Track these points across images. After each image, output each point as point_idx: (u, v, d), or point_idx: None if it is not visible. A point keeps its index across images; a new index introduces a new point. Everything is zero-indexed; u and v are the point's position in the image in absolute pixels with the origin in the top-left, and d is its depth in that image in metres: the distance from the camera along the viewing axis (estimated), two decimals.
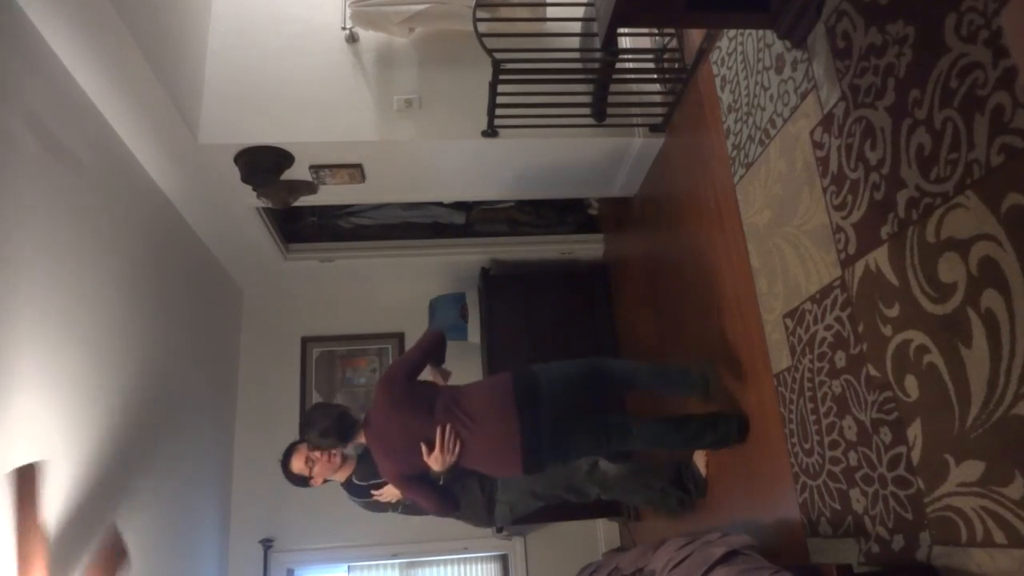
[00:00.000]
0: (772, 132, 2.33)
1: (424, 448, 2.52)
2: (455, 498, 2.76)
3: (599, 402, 2.73)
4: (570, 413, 2.54)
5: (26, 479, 2.11)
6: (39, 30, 2.40)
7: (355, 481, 2.88)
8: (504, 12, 3.13)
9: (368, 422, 2.63)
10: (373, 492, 2.86)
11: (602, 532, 4.55)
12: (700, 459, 2.92)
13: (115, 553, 2.26)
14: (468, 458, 2.56)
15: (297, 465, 2.78)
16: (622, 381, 2.83)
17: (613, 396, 2.76)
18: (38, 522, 2.07)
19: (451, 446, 2.49)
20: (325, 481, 2.87)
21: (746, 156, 2.53)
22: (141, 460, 3.12)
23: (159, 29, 2.71)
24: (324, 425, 2.61)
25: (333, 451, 2.76)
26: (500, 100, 2.97)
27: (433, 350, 2.81)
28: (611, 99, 3.21)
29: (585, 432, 2.57)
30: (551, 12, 3.21)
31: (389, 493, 2.83)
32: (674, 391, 2.82)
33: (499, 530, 4.19)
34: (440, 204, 4.63)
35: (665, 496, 2.96)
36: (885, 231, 1.76)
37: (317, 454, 2.75)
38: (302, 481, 2.82)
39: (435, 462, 2.51)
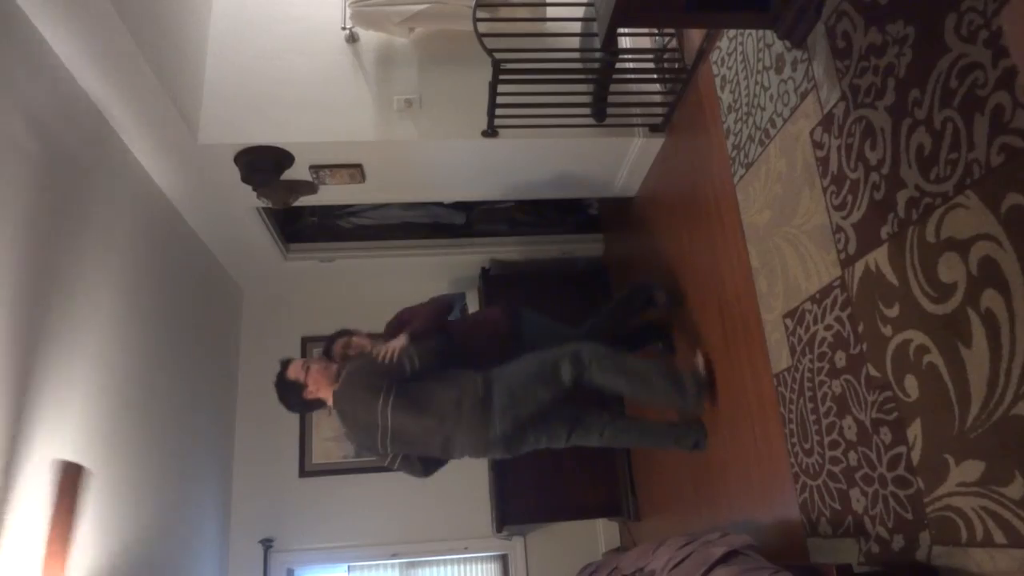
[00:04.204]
0: (772, 132, 2.33)
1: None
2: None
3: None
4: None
5: (72, 474, 2.12)
6: (39, 30, 2.40)
7: (351, 354, 3.00)
8: (504, 12, 3.13)
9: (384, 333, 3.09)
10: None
11: (602, 532, 4.56)
12: (700, 365, 2.87)
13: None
14: (460, 343, 2.97)
15: (293, 371, 2.76)
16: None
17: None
18: (72, 519, 2.07)
19: None
20: (318, 404, 2.78)
21: (746, 156, 2.53)
22: (141, 460, 3.12)
23: (159, 29, 2.71)
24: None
25: (329, 363, 2.84)
26: (500, 100, 2.97)
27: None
28: (611, 99, 3.21)
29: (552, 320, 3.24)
30: (551, 12, 3.21)
31: (394, 341, 2.77)
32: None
33: (499, 530, 4.20)
34: (440, 204, 4.64)
35: (648, 387, 2.80)
36: (885, 231, 1.76)
37: (312, 361, 2.82)
38: (297, 394, 2.74)
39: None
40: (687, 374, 2.84)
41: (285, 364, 2.81)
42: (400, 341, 2.75)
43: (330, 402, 2.76)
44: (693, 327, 3.10)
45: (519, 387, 2.69)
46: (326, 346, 3.11)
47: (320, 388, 2.74)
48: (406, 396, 2.66)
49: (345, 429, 2.85)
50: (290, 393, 2.75)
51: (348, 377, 2.72)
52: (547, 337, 3.01)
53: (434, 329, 2.89)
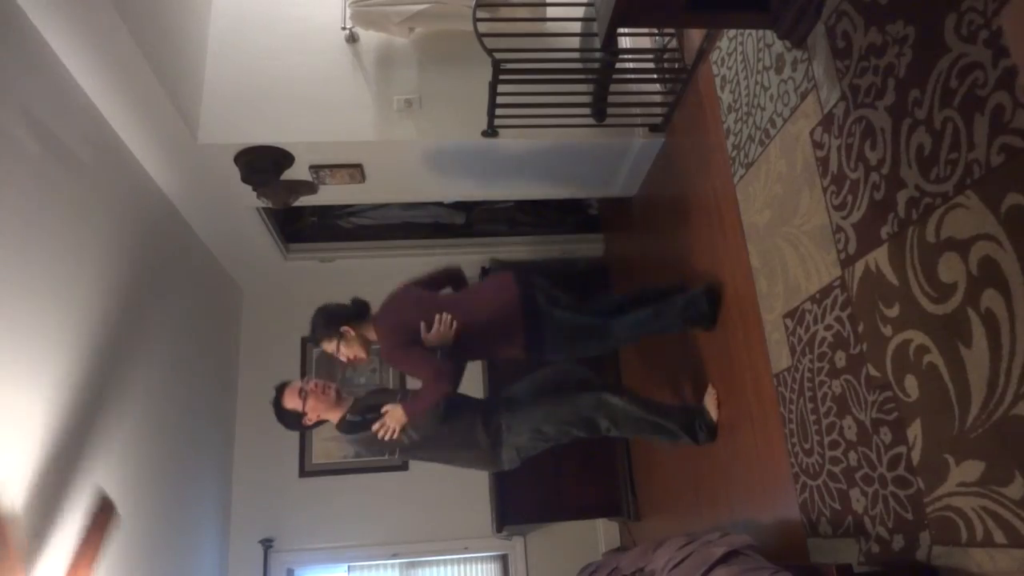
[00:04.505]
0: (772, 132, 2.33)
1: (423, 326, 2.64)
2: (452, 372, 2.61)
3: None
4: (562, 300, 2.83)
5: (106, 508, 2.18)
6: (39, 30, 2.40)
7: (350, 418, 2.71)
8: (504, 12, 3.13)
9: (379, 318, 2.75)
10: (372, 426, 2.66)
11: (602, 532, 4.55)
12: (711, 404, 2.84)
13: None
14: (469, 339, 2.67)
15: (290, 400, 2.66)
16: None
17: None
18: (98, 549, 2.11)
19: (446, 328, 2.64)
20: (319, 423, 2.71)
21: (746, 156, 2.53)
22: (141, 460, 3.12)
23: (159, 29, 2.71)
24: (332, 310, 2.74)
25: (327, 385, 2.68)
26: (500, 100, 2.97)
27: (447, 278, 2.97)
28: (611, 99, 3.21)
29: (578, 328, 2.81)
30: (551, 12, 3.21)
31: (390, 419, 2.60)
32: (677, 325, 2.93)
33: (499, 530, 4.20)
34: (440, 204, 4.64)
35: (674, 438, 2.86)
36: (885, 231, 1.76)
37: (311, 385, 2.66)
38: (296, 420, 2.68)
39: (433, 337, 2.63)
40: (698, 421, 2.84)
41: (280, 391, 2.70)
42: (398, 419, 2.58)
43: (334, 421, 2.73)
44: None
45: (528, 445, 2.77)
46: (315, 338, 2.77)
47: (320, 413, 2.68)
48: (412, 448, 2.72)
49: None
50: (288, 419, 2.70)
51: (349, 442, 2.76)
52: (565, 321, 2.77)
53: (436, 403, 2.61)
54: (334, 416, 2.71)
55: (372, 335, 2.74)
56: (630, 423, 2.79)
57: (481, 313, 2.73)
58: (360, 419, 2.68)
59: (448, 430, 2.70)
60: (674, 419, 2.83)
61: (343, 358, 2.76)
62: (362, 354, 2.77)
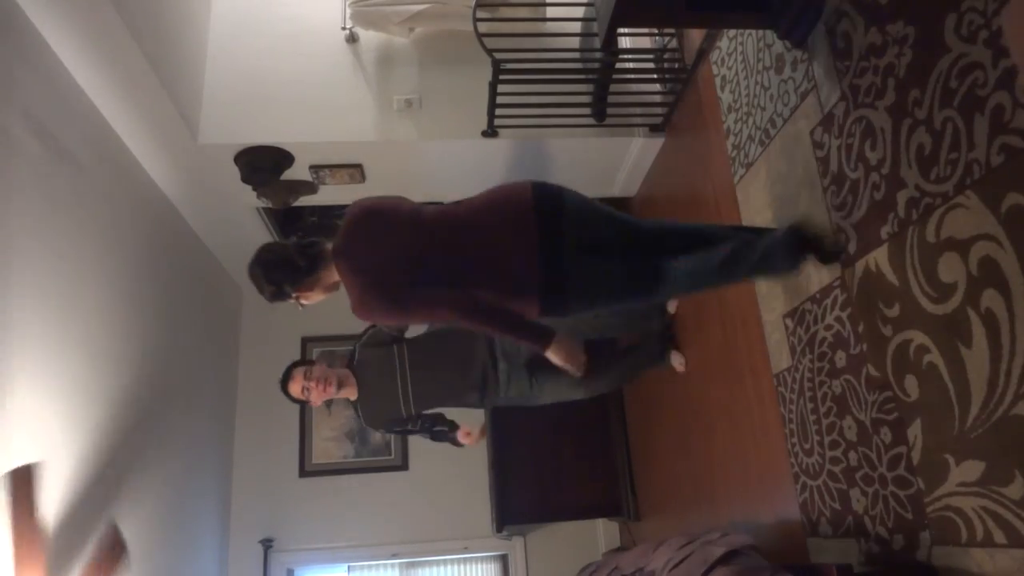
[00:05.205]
0: (772, 132, 2.33)
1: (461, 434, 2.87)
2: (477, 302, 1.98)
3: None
4: (599, 244, 1.98)
5: (23, 480, 2.11)
6: (39, 30, 2.40)
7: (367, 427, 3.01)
8: (504, 12, 3.13)
9: (341, 251, 2.09)
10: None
11: (602, 532, 4.55)
12: (676, 361, 3.22)
13: (114, 549, 2.25)
14: (477, 289, 1.99)
15: (295, 391, 2.78)
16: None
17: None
18: (36, 524, 2.06)
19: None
20: (330, 402, 2.93)
21: (746, 156, 2.53)
22: (141, 460, 3.12)
23: (159, 29, 2.71)
24: (276, 275, 2.09)
25: (328, 380, 2.75)
26: (500, 100, 2.97)
27: None
28: (611, 99, 3.22)
29: (617, 272, 1.99)
30: (551, 12, 3.22)
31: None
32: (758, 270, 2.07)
33: (499, 530, 4.19)
34: (440, 204, 4.63)
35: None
36: (885, 231, 1.76)
37: (312, 383, 2.74)
38: (303, 402, 2.86)
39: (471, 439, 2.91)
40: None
41: (285, 380, 2.80)
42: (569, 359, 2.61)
43: (351, 399, 2.89)
44: (693, 327, 3.10)
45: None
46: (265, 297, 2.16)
47: (326, 398, 2.82)
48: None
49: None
50: (296, 401, 2.86)
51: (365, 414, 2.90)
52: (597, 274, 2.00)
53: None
54: (350, 395, 2.88)
55: (334, 276, 2.14)
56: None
57: (480, 227, 2.07)
58: (387, 430, 2.99)
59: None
60: (635, 369, 3.30)
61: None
62: (324, 297, 2.23)
